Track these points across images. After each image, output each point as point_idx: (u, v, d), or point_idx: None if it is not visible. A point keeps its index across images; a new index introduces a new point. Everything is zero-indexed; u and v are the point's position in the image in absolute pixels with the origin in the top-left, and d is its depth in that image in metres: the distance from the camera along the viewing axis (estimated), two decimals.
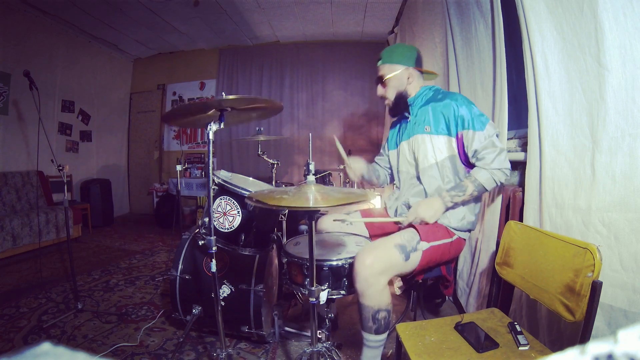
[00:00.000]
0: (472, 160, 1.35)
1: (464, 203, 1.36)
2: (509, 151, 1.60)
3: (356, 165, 1.60)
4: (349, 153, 3.25)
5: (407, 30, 3.41)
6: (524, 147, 1.58)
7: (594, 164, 1.05)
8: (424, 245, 1.29)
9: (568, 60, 1.14)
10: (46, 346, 0.24)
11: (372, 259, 1.18)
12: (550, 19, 1.20)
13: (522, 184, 1.52)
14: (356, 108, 4.77)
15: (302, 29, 4.43)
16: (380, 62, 1.44)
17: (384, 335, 1.26)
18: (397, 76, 1.42)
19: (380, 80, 1.45)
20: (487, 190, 1.32)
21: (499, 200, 1.60)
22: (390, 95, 1.46)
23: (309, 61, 4.83)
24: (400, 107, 1.48)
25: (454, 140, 1.36)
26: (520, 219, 1.45)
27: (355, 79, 4.72)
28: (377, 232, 1.59)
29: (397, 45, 1.56)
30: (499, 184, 1.31)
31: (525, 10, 1.29)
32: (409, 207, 1.46)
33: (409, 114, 1.48)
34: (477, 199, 1.39)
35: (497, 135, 1.32)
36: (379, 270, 1.19)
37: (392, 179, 1.71)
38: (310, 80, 4.83)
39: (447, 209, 1.35)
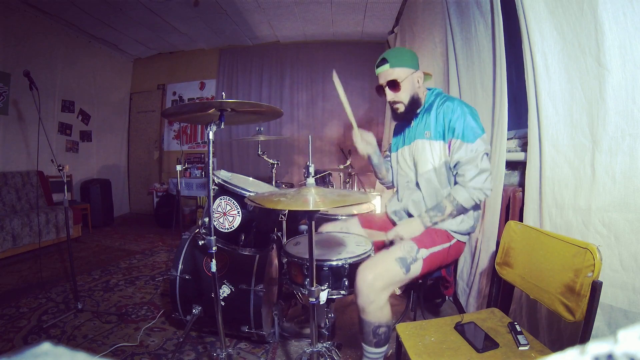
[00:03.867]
0: (454, 172, 1.36)
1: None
2: (508, 151, 1.60)
3: (369, 139, 1.50)
4: (349, 153, 3.26)
5: (407, 30, 3.41)
6: (524, 147, 1.58)
7: (594, 164, 1.05)
8: (424, 252, 1.29)
9: (568, 60, 1.14)
10: (46, 346, 0.24)
11: (373, 276, 1.19)
12: (550, 19, 1.20)
13: (522, 184, 1.52)
14: (356, 108, 4.76)
15: (302, 29, 4.42)
16: (388, 66, 1.35)
17: (384, 348, 1.28)
18: (409, 79, 1.37)
19: (393, 84, 1.36)
20: (466, 209, 1.33)
21: (499, 200, 1.60)
22: (405, 98, 1.39)
23: (309, 61, 4.83)
24: (412, 113, 1.44)
25: (446, 146, 1.36)
26: (520, 219, 1.45)
27: (355, 79, 4.71)
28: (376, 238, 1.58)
29: (401, 49, 1.52)
30: (478, 202, 1.33)
31: (525, 10, 1.29)
32: (407, 213, 1.47)
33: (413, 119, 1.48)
34: (476, 205, 1.38)
35: (486, 155, 1.30)
36: (380, 287, 1.20)
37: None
38: (310, 80, 4.83)
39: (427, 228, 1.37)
